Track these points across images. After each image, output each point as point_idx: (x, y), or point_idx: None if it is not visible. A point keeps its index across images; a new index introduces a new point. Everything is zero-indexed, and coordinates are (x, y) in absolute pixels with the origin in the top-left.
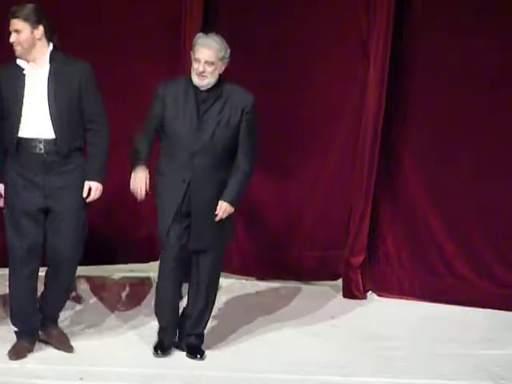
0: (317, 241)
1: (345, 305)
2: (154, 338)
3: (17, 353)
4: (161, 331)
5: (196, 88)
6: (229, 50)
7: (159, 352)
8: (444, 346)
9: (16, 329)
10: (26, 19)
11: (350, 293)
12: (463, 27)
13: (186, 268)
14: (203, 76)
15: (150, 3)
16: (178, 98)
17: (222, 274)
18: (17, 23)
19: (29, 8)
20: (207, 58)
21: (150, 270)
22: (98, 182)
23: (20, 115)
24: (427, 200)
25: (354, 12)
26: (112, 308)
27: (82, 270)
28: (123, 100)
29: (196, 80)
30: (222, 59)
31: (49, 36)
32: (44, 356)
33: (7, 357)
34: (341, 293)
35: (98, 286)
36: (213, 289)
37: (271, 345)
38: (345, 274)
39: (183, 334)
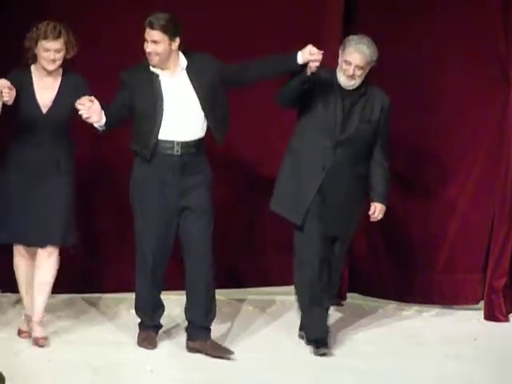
0: (457, 263)
1: (487, 327)
2: None
3: (150, 342)
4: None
5: (338, 82)
6: (377, 53)
7: (321, 349)
8: None
9: (140, 320)
10: (164, 31)
11: (492, 315)
12: None
13: None
14: (352, 78)
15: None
16: (326, 87)
17: (363, 297)
18: (155, 34)
19: (167, 19)
20: (358, 62)
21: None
22: None
23: (161, 119)
24: None
25: (492, 30)
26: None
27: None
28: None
29: (343, 80)
30: (370, 63)
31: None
32: None
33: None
34: (482, 315)
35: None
36: (339, 275)
37: (414, 366)
38: (487, 296)
39: None
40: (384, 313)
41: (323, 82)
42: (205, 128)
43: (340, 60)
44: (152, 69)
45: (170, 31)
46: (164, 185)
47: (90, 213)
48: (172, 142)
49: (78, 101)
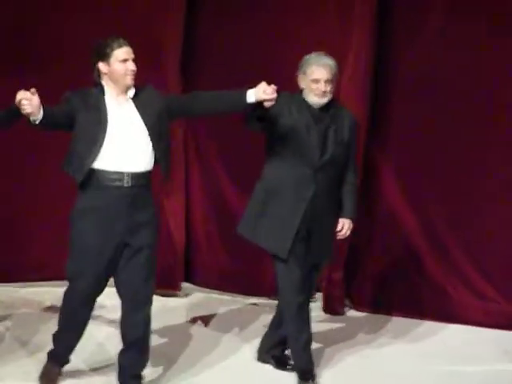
0: None
1: (326, 320)
2: None
3: (51, 379)
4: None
5: (308, 105)
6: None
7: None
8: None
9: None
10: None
11: (330, 308)
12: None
13: None
14: (324, 95)
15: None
16: (292, 112)
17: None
18: (132, 52)
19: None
20: (327, 76)
21: None
22: None
23: (101, 144)
24: (406, 212)
25: (328, 19)
26: None
27: None
28: None
29: (316, 100)
30: (336, 74)
31: None
32: None
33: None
34: (321, 308)
35: None
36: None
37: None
38: (326, 289)
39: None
40: (220, 304)
41: (289, 108)
42: (153, 160)
43: (305, 83)
44: (107, 97)
45: None
46: (111, 219)
47: None
48: (121, 174)
49: (21, 95)
